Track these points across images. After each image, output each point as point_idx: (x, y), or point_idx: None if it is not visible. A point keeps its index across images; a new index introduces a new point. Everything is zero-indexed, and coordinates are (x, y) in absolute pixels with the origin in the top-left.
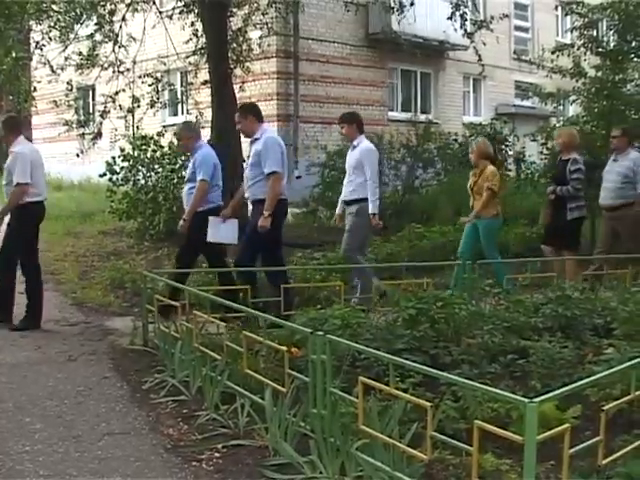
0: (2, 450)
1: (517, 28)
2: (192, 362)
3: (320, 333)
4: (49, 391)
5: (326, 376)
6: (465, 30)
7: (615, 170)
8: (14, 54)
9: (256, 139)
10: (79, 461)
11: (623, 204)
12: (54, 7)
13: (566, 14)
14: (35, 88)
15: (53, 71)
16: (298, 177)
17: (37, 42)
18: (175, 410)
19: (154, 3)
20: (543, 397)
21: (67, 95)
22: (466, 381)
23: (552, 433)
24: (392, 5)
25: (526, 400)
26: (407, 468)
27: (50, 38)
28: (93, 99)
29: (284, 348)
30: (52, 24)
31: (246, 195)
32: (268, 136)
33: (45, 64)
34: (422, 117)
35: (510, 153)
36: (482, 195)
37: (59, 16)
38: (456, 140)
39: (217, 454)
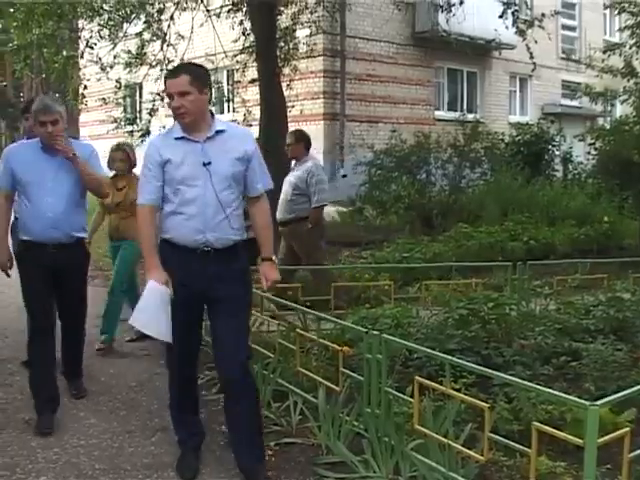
0: (58, 444)
1: (564, 27)
2: None
3: (376, 332)
4: (102, 386)
5: (381, 375)
6: (517, 27)
7: (288, 180)
8: (65, 53)
9: None
10: (133, 456)
11: (293, 219)
12: (104, 6)
13: (618, 13)
14: (86, 86)
15: (102, 69)
16: (344, 176)
17: (87, 40)
18: None
19: (202, 2)
20: (604, 400)
21: (116, 93)
22: (527, 383)
23: (613, 436)
24: (441, 4)
25: (587, 403)
26: (462, 469)
27: (101, 36)
28: (140, 97)
29: (338, 347)
30: (103, 23)
31: None
32: None
33: (96, 62)
34: (469, 116)
35: (557, 153)
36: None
37: (109, 15)
38: (503, 140)
39: (270, 452)
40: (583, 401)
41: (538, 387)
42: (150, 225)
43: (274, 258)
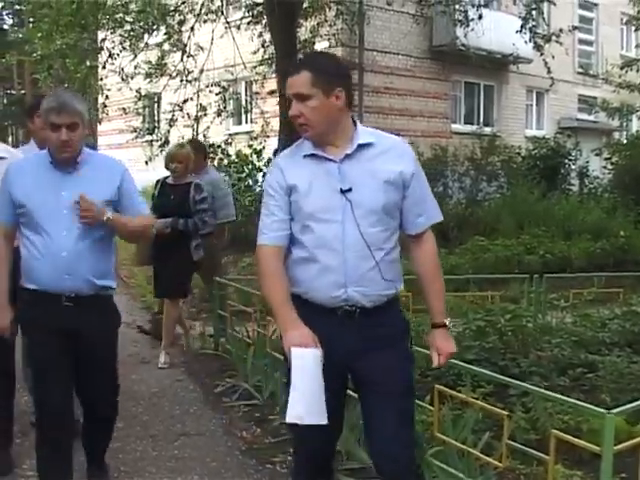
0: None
1: (581, 42)
2: (265, 367)
3: None
4: (124, 392)
5: None
6: (535, 42)
7: None
8: (88, 63)
9: None
10: (157, 459)
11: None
12: (127, 18)
13: (636, 29)
14: (107, 96)
15: (123, 79)
16: None
17: (110, 51)
18: (248, 414)
19: (222, 13)
20: (621, 408)
21: (136, 103)
22: (546, 392)
23: (630, 444)
24: (459, 18)
25: (605, 411)
26: (480, 475)
27: (123, 47)
28: (158, 107)
29: None
30: (125, 34)
31: None
32: None
33: (119, 73)
34: (486, 130)
35: (573, 167)
36: None
37: (131, 26)
38: (519, 154)
39: (290, 457)
40: (601, 410)
41: (557, 396)
42: (276, 272)
43: (448, 323)
